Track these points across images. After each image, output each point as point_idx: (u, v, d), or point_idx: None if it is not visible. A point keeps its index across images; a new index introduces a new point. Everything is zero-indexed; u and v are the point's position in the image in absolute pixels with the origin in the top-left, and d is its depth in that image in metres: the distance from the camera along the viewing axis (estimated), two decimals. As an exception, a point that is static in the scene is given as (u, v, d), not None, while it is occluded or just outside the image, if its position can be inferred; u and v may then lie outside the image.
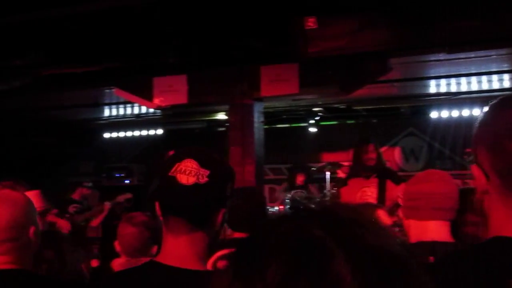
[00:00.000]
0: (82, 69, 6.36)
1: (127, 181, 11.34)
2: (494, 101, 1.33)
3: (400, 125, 10.83)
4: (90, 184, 9.37)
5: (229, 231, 3.45)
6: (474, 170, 1.29)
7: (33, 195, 4.47)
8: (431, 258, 2.13)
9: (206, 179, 1.81)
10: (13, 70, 6.50)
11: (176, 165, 1.84)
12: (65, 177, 10.68)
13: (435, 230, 2.52)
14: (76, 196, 8.74)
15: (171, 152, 1.97)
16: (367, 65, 5.86)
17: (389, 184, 6.32)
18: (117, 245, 3.74)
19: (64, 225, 7.06)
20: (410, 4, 5.11)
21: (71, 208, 8.38)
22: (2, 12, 5.39)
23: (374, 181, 6.47)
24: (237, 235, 3.29)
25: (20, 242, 2.41)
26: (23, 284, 2.39)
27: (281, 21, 5.52)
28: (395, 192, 2.94)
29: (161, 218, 1.92)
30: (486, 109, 1.33)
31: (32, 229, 2.46)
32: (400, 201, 2.78)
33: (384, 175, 6.52)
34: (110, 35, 6.01)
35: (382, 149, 9.67)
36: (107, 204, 8.80)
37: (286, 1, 5.37)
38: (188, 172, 1.82)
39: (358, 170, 6.65)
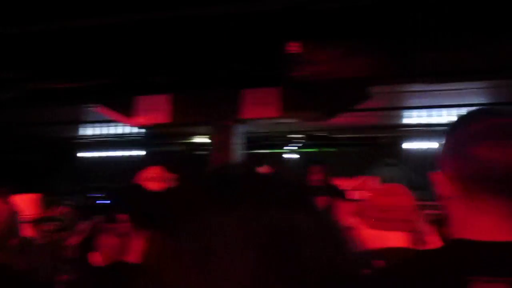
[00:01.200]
0: (67, 85, 6.40)
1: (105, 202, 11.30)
2: (461, 114, 1.40)
3: (378, 155, 10.94)
4: (69, 202, 9.33)
5: None
6: (439, 177, 1.34)
7: (32, 199, 4.31)
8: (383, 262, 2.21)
9: None
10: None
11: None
12: (45, 194, 10.61)
13: (399, 240, 2.61)
14: (55, 213, 8.68)
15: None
16: (348, 92, 5.98)
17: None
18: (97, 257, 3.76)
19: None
20: (394, 33, 5.22)
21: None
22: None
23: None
24: None
25: None
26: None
27: (266, 45, 5.62)
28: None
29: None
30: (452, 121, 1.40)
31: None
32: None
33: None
34: (97, 52, 6.07)
35: (361, 178, 9.79)
36: (81, 225, 8.74)
37: (271, 26, 5.48)
38: None
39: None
